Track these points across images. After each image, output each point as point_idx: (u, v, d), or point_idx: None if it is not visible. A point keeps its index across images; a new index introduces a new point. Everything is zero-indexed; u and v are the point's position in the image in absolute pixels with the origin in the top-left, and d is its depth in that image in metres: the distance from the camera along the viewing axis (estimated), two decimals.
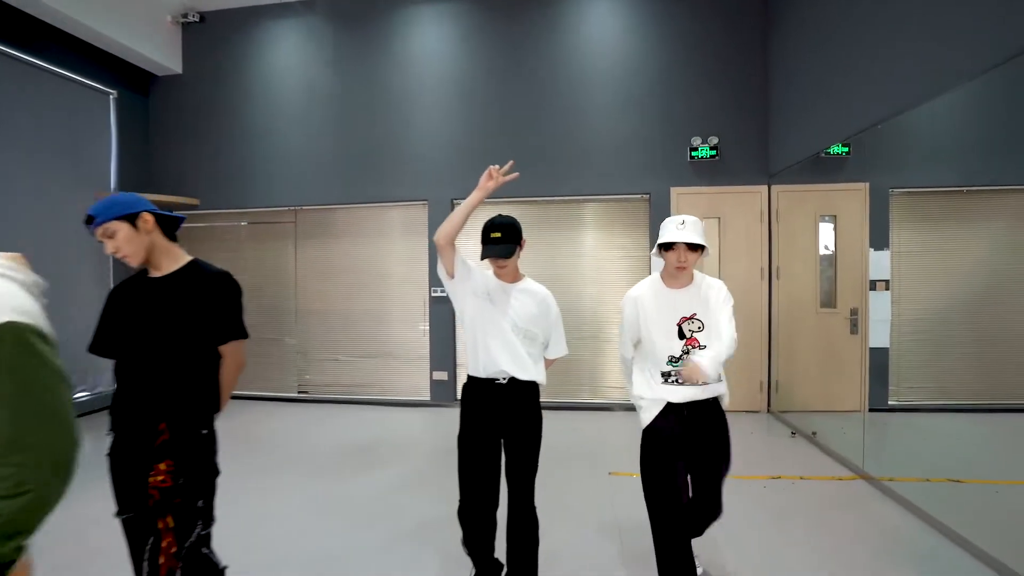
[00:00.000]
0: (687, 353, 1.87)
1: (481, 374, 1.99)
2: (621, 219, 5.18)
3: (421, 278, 5.36)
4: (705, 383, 1.89)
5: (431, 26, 5.41)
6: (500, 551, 2.08)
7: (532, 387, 2.03)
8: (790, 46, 4.54)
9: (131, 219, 1.55)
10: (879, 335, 3.50)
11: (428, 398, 5.36)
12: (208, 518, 1.60)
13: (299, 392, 5.66)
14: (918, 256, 3.42)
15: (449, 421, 4.59)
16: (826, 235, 4.29)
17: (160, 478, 1.51)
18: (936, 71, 2.82)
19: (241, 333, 1.69)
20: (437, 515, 2.83)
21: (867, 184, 3.65)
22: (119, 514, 1.55)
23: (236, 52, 5.76)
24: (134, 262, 1.58)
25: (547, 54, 5.23)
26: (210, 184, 5.77)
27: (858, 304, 3.80)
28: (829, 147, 3.87)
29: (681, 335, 1.90)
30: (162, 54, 5.63)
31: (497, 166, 1.89)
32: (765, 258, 4.91)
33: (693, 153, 4.96)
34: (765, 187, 4.92)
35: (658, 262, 2.01)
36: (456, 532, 2.08)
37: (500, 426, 1.98)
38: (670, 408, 1.90)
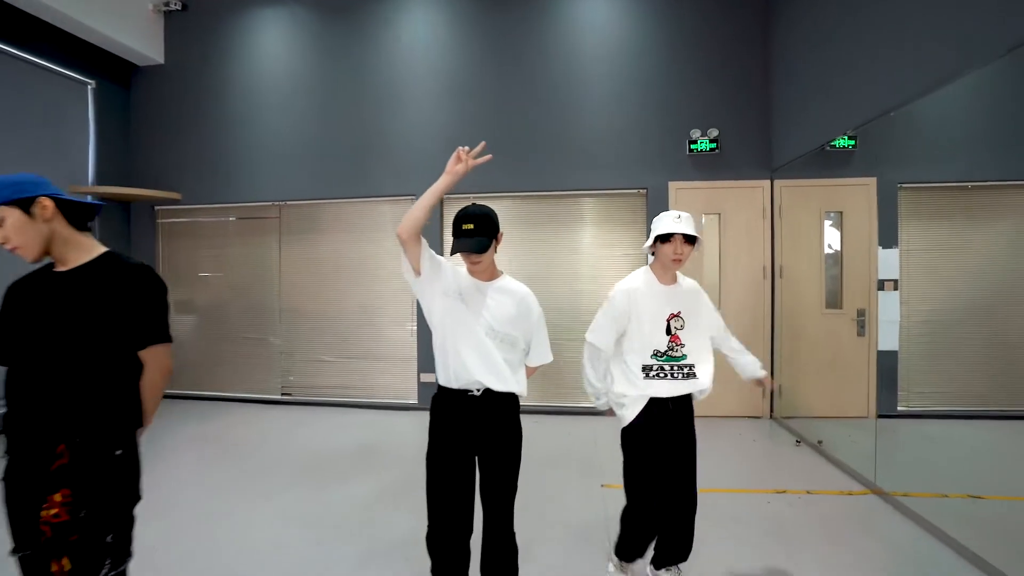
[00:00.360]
0: (671, 349, 1.94)
1: (452, 384, 1.78)
2: (617, 215, 4.97)
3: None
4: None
5: (420, 14, 5.22)
6: None
7: (510, 400, 1.82)
8: (794, 32, 4.36)
9: (23, 204, 1.33)
10: (887, 337, 3.38)
11: (416, 401, 5.16)
12: (120, 555, 1.37)
13: (282, 394, 5.46)
14: (928, 254, 3.31)
15: None
16: (831, 232, 4.18)
17: (53, 511, 1.28)
18: (948, 57, 2.65)
19: (164, 336, 1.46)
20: (418, 531, 2.61)
21: (875, 179, 3.55)
22: (14, 552, 1.33)
23: (219, 42, 5.58)
24: (29, 256, 1.36)
25: (541, 43, 5.04)
26: (192, 178, 5.58)
27: (865, 305, 3.70)
28: (834, 140, 3.72)
29: (668, 331, 1.96)
30: (143, 44, 5.44)
31: (467, 148, 1.67)
32: (767, 256, 4.73)
33: (692, 146, 4.77)
34: (767, 182, 4.74)
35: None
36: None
37: (474, 442, 1.77)
38: (653, 403, 1.94)
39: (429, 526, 1.78)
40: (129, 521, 1.40)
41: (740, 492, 3.13)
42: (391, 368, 5.26)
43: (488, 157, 1.72)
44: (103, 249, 1.45)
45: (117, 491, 1.37)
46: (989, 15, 2.41)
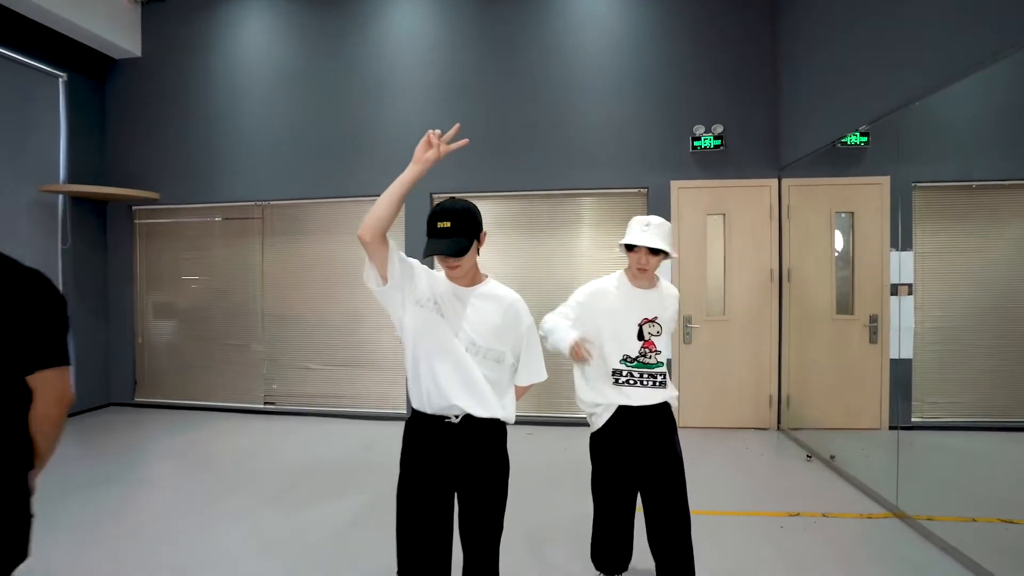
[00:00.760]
0: (644, 355, 1.89)
1: (426, 409, 1.53)
2: (617, 215, 4.74)
3: None
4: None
5: (410, 4, 4.99)
6: None
7: (494, 428, 1.57)
8: (802, 23, 4.15)
9: None
10: (901, 345, 3.25)
11: (406, 411, 4.91)
12: None
13: (265, 403, 5.21)
14: (945, 257, 3.19)
15: None
16: (842, 234, 4.01)
17: None
18: (970, 45, 2.46)
19: (60, 358, 1.20)
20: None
21: (888, 177, 3.39)
22: None
23: (200, 34, 5.33)
24: None
25: (536, 35, 4.82)
26: (171, 176, 5.33)
27: (878, 311, 3.59)
28: (846, 136, 3.55)
29: (640, 336, 1.90)
30: (118, 35, 5.18)
31: (438, 131, 1.44)
32: (775, 259, 4.53)
33: (695, 143, 4.56)
34: (775, 180, 4.54)
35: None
36: None
37: (451, 478, 1.53)
38: (622, 411, 1.89)
39: (399, 572, 1.53)
40: None
41: (750, 515, 2.89)
42: (380, 376, 5.02)
43: (464, 142, 1.48)
44: None
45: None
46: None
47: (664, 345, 1.93)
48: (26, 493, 1.19)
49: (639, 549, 2.05)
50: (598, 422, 1.94)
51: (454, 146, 1.46)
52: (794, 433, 4.29)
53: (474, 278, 1.59)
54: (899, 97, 2.97)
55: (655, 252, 1.85)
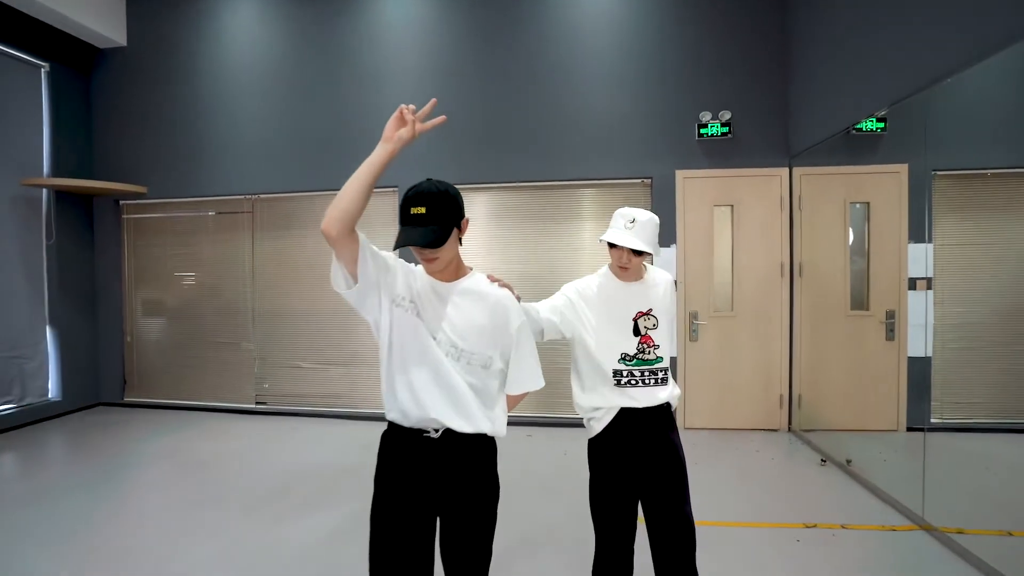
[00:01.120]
0: (642, 351, 1.77)
1: (403, 422, 1.36)
2: (620, 207, 4.54)
3: None
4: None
5: None
6: None
7: (481, 444, 1.39)
8: (814, 3, 3.96)
9: None
10: (919, 342, 3.11)
11: None
12: None
13: (256, 403, 5.07)
14: (965, 250, 3.05)
15: None
16: (857, 226, 3.87)
17: None
18: (996, 21, 2.28)
19: None
20: None
21: (906, 166, 3.30)
22: None
23: (187, 22, 5.16)
24: None
25: (535, 20, 4.63)
26: (159, 170, 5.18)
27: (895, 306, 3.47)
28: (860, 122, 3.41)
29: (636, 331, 1.79)
30: (103, 24, 5.03)
31: (412, 106, 1.26)
32: (786, 252, 4.36)
33: (702, 130, 4.38)
34: (786, 170, 4.37)
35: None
36: None
37: (431, 499, 1.35)
38: (624, 414, 1.76)
39: None
40: None
41: (763, 526, 2.71)
42: (374, 375, 4.86)
43: (441, 119, 1.31)
44: None
45: None
46: None
47: (664, 338, 1.80)
48: None
49: (640, 564, 1.88)
50: (597, 427, 1.81)
51: (430, 124, 1.29)
52: (806, 435, 4.12)
53: (456, 271, 1.41)
54: (918, 80, 2.79)
55: (638, 253, 1.75)
